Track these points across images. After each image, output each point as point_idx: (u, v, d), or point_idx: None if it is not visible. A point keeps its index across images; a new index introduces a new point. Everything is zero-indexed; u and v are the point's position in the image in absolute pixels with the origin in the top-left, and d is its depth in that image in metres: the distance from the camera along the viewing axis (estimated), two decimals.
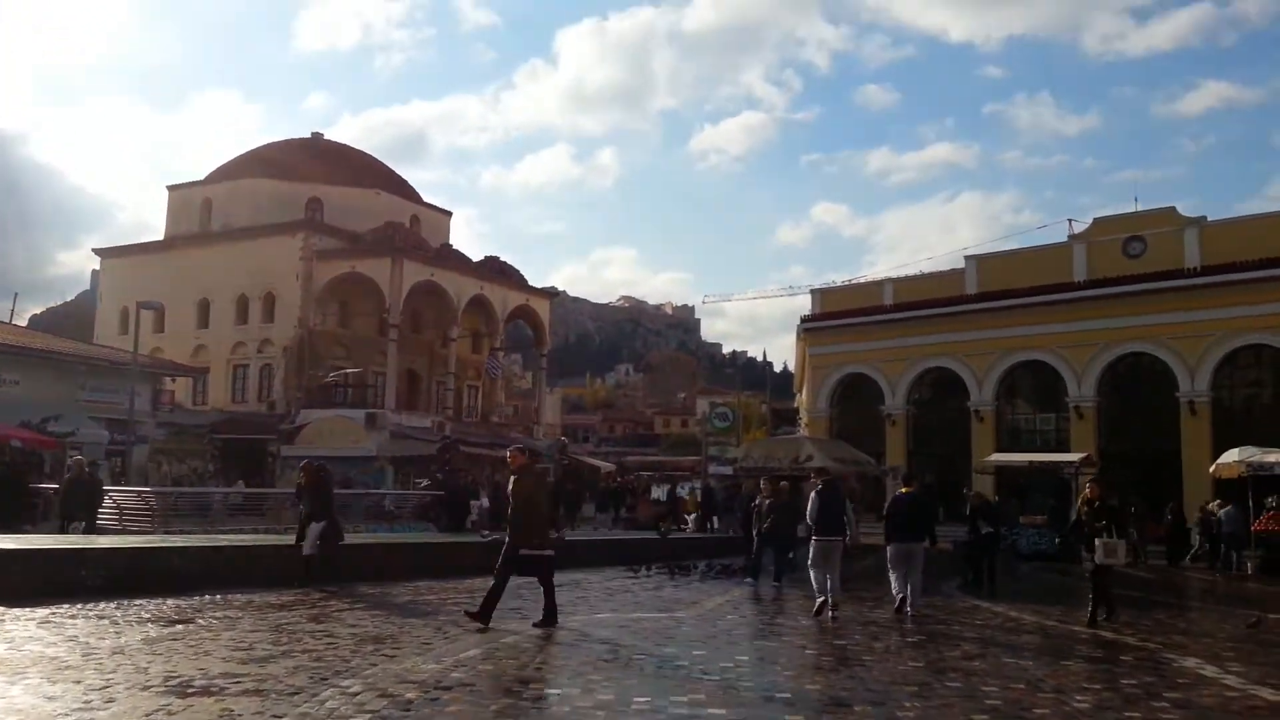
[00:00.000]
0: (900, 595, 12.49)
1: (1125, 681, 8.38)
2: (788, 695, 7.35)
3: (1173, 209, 34.56)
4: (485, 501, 23.79)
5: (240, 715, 6.14)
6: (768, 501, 17.52)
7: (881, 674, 8.36)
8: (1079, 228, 37.38)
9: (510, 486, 10.71)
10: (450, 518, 24.31)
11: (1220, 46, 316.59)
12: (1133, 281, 32.71)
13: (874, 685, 7.83)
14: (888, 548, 12.79)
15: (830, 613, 11.92)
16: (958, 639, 10.81)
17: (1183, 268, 32.51)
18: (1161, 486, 29.33)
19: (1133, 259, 33.66)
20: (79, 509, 18.50)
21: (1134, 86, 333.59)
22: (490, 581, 10.44)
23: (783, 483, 20.62)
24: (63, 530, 17.95)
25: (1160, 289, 32.03)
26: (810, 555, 12.66)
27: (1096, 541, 12.06)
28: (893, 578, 12.72)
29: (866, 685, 7.83)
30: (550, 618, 10.26)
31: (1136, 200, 47.73)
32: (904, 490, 13.61)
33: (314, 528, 13.66)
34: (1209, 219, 33.59)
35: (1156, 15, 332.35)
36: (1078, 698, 7.58)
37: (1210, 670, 8.99)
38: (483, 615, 10.20)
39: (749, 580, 16.98)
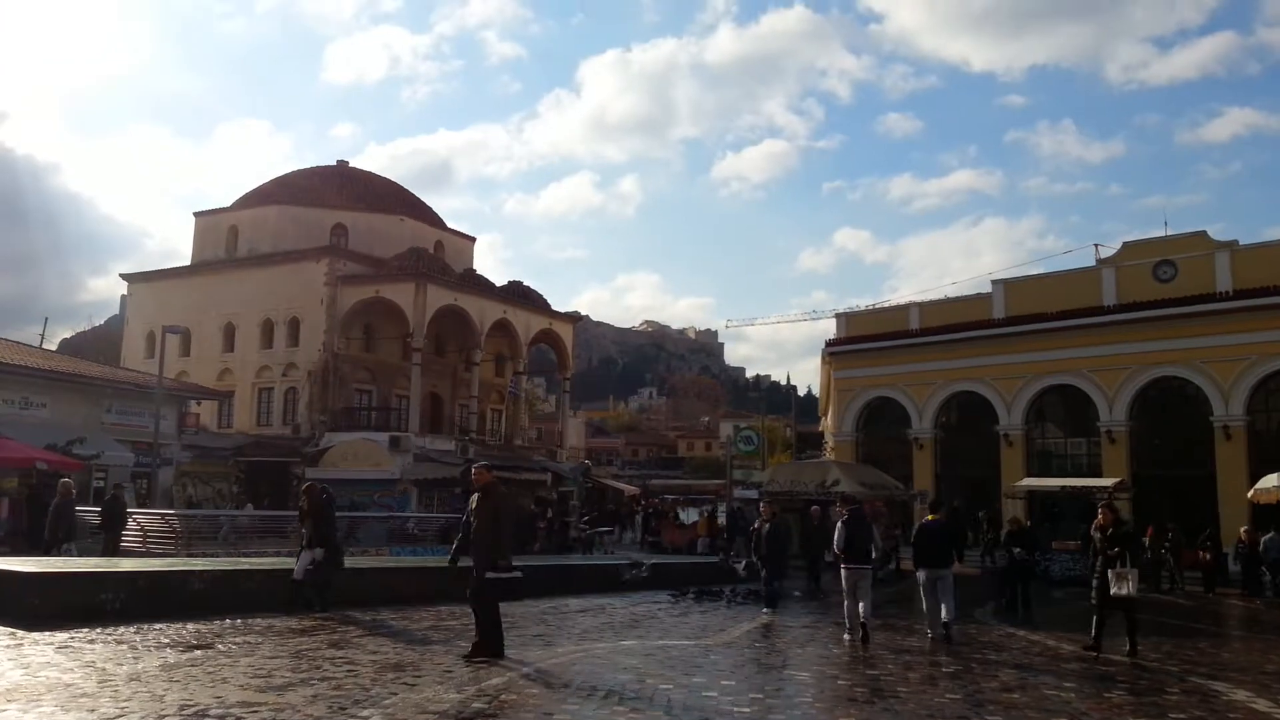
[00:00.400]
0: (934, 620, 12.76)
1: (1174, 716, 8.05)
2: None
3: (1203, 233, 34.05)
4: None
5: None
6: (766, 526, 16.98)
7: (918, 707, 8.06)
8: (1105, 253, 36.92)
9: (473, 505, 9.99)
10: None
11: (1244, 74, 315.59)
12: (1163, 305, 32.22)
13: (910, 719, 7.54)
14: (918, 574, 13.11)
15: (860, 638, 11.94)
16: (994, 669, 10.48)
17: (1215, 291, 32.00)
18: (1196, 512, 28.72)
19: (1163, 283, 33.16)
20: (65, 533, 18.36)
21: (1158, 114, 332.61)
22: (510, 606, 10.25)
23: (814, 507, 20.38)
24: (46, 553, 17.59)
25: (1193, 313, 31.51)
26: (843, 583, 12.71)
27: (1110, 571, 11.51)
28: (926, 604, 12.97)
29: (902, 719, 7.54)
30: (487, 648, 9.63)
31: (1166, 225, 47.33)
32: (930, 517, 13.73)
33: (306, 554, 13.39)
34: (1240, 243, 33.10)
35: (1179, 44, 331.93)
36: None
37: (1263, 704, 8.63)
38: (483, 650, 9.62)
39: (765, 610, 15.97)
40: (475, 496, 9.96)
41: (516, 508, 33.31)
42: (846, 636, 12.33)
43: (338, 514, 15.57)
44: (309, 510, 13.80)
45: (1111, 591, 11.36)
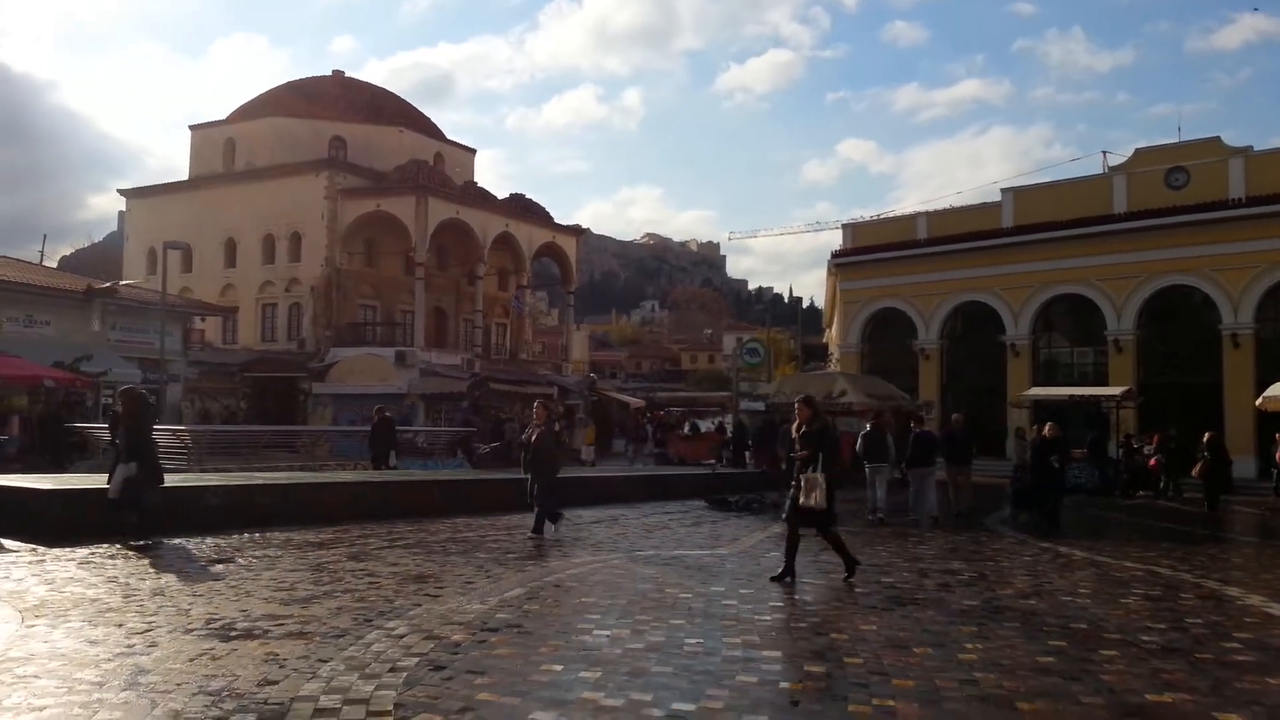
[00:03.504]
0: (917, 505, 16.40)
1: (1191, 620, 8.11)
2: (845, 637, 7.13)
3: (1217, 139, 33.46)
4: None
5: (286, 659, 5.98)
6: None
7: (937, 614, 8.12)
8: (1114, 161, 36.42)
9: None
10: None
11: None
12: (1175, 213, 31.85)
13: (931, 626, 7.60)
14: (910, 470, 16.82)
15: (879, 518, 16.01)
16: (1008, 576, 10.56)
17: (1227, 199, 31.60)
18: (1202, 421, 28.78)
19: (1175, 190, 32.73)
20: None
21: (1168, 20, 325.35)
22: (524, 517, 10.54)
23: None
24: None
25: (1204, 220, 31.15)
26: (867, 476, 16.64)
27: (801, 477, 9.66)
28: (919, 492, 16.52)
29: (923, 626, 7.60)
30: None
31: (1180, 131, 46.34)
32: (918, 428, 18.04)
33: (121, 469, 11.28)
34: (1255, 149, 32.55)
35: None
36: (1144, 638, 7.32)
37: (1278, 608, 8.69)
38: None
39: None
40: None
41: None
42: (869, 517, 16.06)
43: (398, 431, 15.67)
44: (122, 417, 11.71)
45: (800, 501, 9.64)
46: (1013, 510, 17.24)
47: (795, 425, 10.03)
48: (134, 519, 11.12)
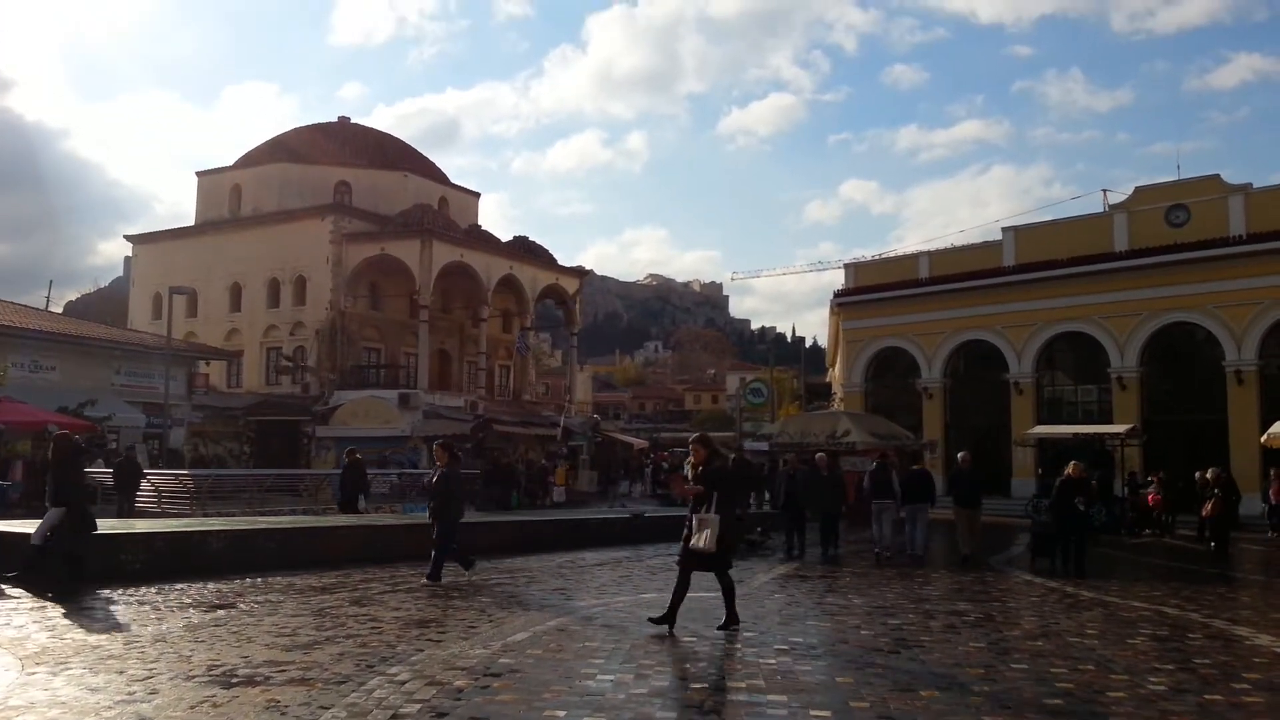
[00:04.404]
0: (910, 540, 16.99)
1: (1199, 661, 8.03)
2: (849, 680, 7.07)
3: (1217, 177, 33.64)
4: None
5: (287, 707, 5.94)
6: (785, 473, 18.27)
7: (944, 656, 8.05)
8: (1114, 199, 36.63)
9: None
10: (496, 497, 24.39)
11: (1251, 20, 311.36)
12: (1176, 250, 31.93)
13: (937, 668, 7.54)
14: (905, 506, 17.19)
15: (885, 554, 16.68)
16: (1015, 617, 10.49)
17: (1228, 235, 31.70)
18: (1208, 458, 28.65)
19: (1176, 227, 32.84)
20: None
21: (1165, 61, 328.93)
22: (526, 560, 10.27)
23: (820, 454, 20.34)
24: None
25: (1205, 257, 31.22)
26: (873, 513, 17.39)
27: (694, 517, 8.94)
28: (908, 529, 17.23)
29: (929, 668, 7.54)
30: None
31: (1179, 169, 46.66)
32: (915, 467, 19.05)
33: (51, 514, 11.26)
34: (1254, 186, 32.71)
35: None
36: (1151, 679, 7.25)
37: None
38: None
39: (796, 553, 17.07)
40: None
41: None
42: (876, 551, 16.93)
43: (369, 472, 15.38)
44: (51, 463, 11.70)
45: (691, 543, 8.92)
46: (1033, 555, 16.21)
47: (690, 463, 9.36)
48: (65, 568, 10.89)
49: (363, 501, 20.15)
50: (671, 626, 8.80)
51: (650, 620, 8.98)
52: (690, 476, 9.21)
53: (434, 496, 12.69)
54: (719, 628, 8.89)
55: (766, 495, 28.88)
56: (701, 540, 8.79)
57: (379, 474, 30.96)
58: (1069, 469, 15.49)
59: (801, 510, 17.68)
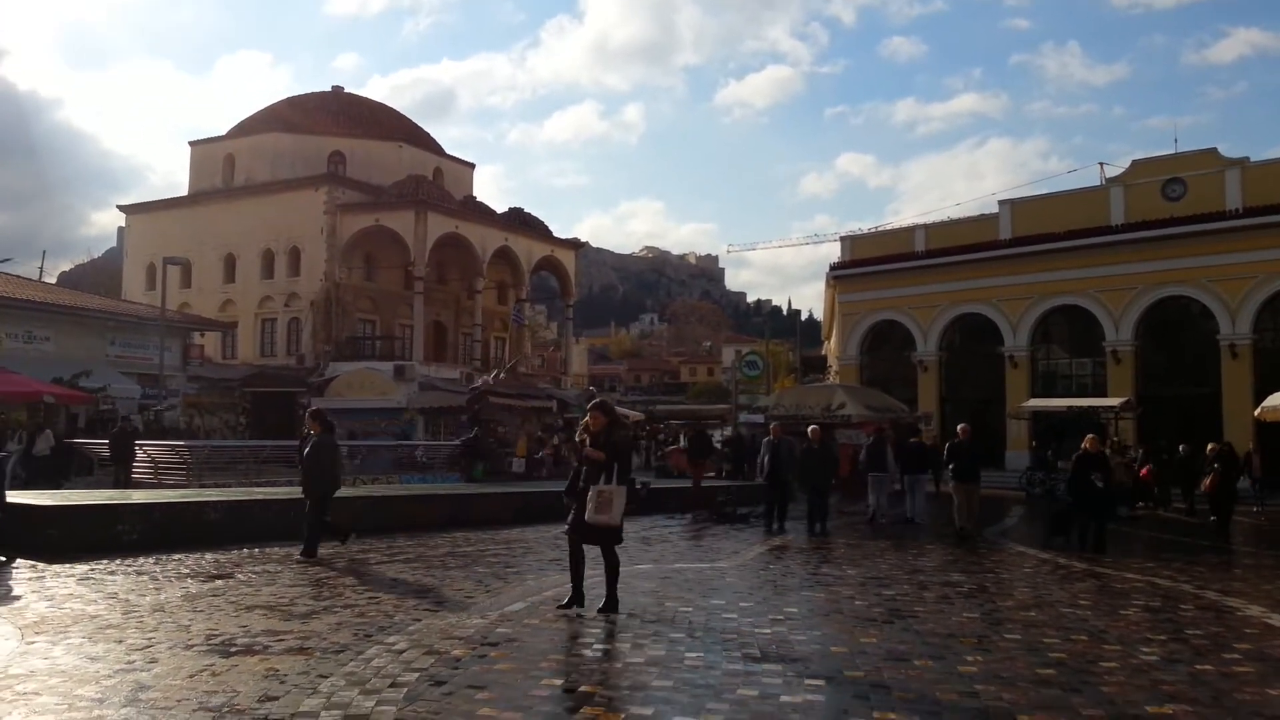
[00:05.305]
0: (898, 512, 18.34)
1: (1191, 632, 8.10)
2: (844, 650, 7.12)
3: (1214, 150, 33.61)
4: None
5: (286, 675, 5.98)
6: (770, 444, 17.29)
7: (937, 626, 8.11)
8: (1111, 172, 36.54)
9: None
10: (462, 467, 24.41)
11: None
12: (1173, 224, 31.93)
13: (930, 639, 7.60)
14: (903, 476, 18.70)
15: (880, 519, 17.78)
16: (1009, 588, 10.56)
17: (1224, 209, 31.69)
18: (1202, 431, 28.78)
19: (1172, 201, 32.85)
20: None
21: (1163, 35, 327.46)
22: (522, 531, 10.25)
23: (812, 427, 20.25)
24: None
25: (1201, 231, 31.23)
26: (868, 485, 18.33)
27: (591, 489, 8.15)
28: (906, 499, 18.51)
29: (923, 639, 7.59)
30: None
31: (1176, 143, 46.44)
32: (913, 440, 19.72)
33: None
34: (1251, 160, 32.65)
35: None
36: (1144, 650, 7.32)
37: (1279, 619, 8.69)
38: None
39: (770, 528, 16.59)
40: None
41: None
42: (870, 518, 17.82)
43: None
44: None
45: (588, 516, 8.13)
46: (1049, 534, 15.33)
47: (586, 427, 8.55)
48: None
49: None
50: (581, 604, 8.24)
51: (560, 608, 8.22)
52: (585, 444, 8.43)
53: (304, 467, 11.94)
54: (598, 610, 8.14)
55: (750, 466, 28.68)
56: (604, 514, 8.08)
57: (376, 445, 31.02)
58: (1085, 443, 14.49)
59: (785, 482, 16.89)
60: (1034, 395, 33.01)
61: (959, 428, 16.77)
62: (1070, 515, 14.70)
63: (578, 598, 8.25)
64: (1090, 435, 14.86)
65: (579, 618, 8.07)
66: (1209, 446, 21.26)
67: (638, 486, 18.44)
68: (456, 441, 29.77)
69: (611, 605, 8.24)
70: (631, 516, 17.16)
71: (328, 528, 11.77)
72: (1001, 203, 37.34)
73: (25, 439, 22.59)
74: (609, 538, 8.23)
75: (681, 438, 43.80)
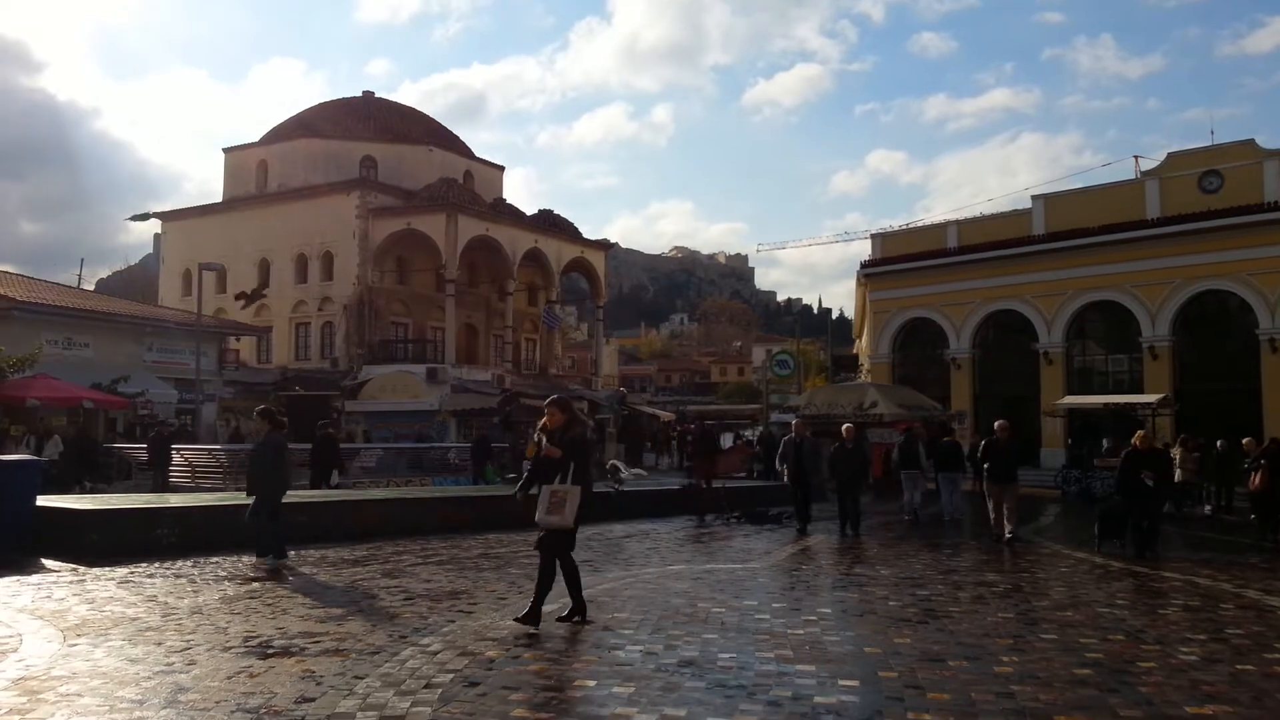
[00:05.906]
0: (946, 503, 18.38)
1: (1231, 631, 8.00)
2: (877, 650, 7.09)
3: (1252, 141, 33.14)
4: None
5: (322, 676, 6.04)
6: (791, 442, 16.35)
7: (972, 626, 8.05)
8: (1145, 165, 36.15)
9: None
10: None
11: None
12: (1210, 217, 31.48)
13: (965, 639, 7.54)
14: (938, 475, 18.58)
15: (916, 515, 18.05)
16: (1044, 588, 10.46)
17: (1262, 202, 31.21)
18: (1241, 428, 28.34)
19: (1209, 194, 32.39)
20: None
21: (1198, 26, 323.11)
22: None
23: (846, 425, 20.06)
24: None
25: (1239, 224, 30.77)
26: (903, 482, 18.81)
27: (544, 488, 7.76)
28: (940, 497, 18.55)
29: (958, 639, 7.54)
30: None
31: (1213, 134, 45.89)
32: (946, 439, 19.58)
33: None
34: None
35: None
36: (1183, 650, 7.23)
37: None
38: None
39: (799, 529, 15.98)
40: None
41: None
42: (905, 518, 18.04)
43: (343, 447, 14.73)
44: None
45: (537, 517, 7.74)
46: (1100, 537, 14.10)
47: (543, 427, 8.10)
48: None
49: (335, 477, 19.86)
50: (583, 614, 7.90)
51: (559, 620, 7.83)
52: (542, 442, 8.01)
53: (251, 467, 11.55)
54: (559, 619, 7.80)
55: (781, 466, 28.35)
56: (558, 515, 7.65)
57: (407, 447, 31.19)
58: (1135, 439, 13.79)
59: (809, 482, 16.25)
60: (1069, 392, 32.66)
61: (997, 424, 15.93)
62: (1122, 516, 13.89)
63: (578, 608, 7.93)
64: (1140, 432, 14.22)
65: (612, 619, 8.08)
66: (1244, 441, 20.88)
67: (610, 489, 18.06)
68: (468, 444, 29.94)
69: (578, 611, 7.88)
70: (637, 520, 17.25)
71: (277, 533, 11.27)
72: (1035, 198, 37.00)
73: (34, 444, 22.76)
74: (563, 540, 7.76)
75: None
